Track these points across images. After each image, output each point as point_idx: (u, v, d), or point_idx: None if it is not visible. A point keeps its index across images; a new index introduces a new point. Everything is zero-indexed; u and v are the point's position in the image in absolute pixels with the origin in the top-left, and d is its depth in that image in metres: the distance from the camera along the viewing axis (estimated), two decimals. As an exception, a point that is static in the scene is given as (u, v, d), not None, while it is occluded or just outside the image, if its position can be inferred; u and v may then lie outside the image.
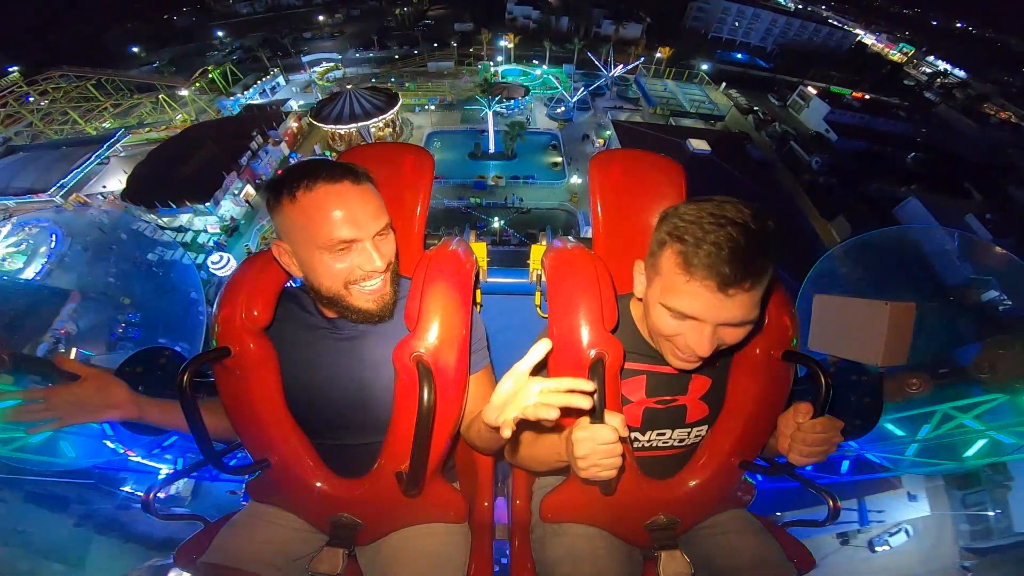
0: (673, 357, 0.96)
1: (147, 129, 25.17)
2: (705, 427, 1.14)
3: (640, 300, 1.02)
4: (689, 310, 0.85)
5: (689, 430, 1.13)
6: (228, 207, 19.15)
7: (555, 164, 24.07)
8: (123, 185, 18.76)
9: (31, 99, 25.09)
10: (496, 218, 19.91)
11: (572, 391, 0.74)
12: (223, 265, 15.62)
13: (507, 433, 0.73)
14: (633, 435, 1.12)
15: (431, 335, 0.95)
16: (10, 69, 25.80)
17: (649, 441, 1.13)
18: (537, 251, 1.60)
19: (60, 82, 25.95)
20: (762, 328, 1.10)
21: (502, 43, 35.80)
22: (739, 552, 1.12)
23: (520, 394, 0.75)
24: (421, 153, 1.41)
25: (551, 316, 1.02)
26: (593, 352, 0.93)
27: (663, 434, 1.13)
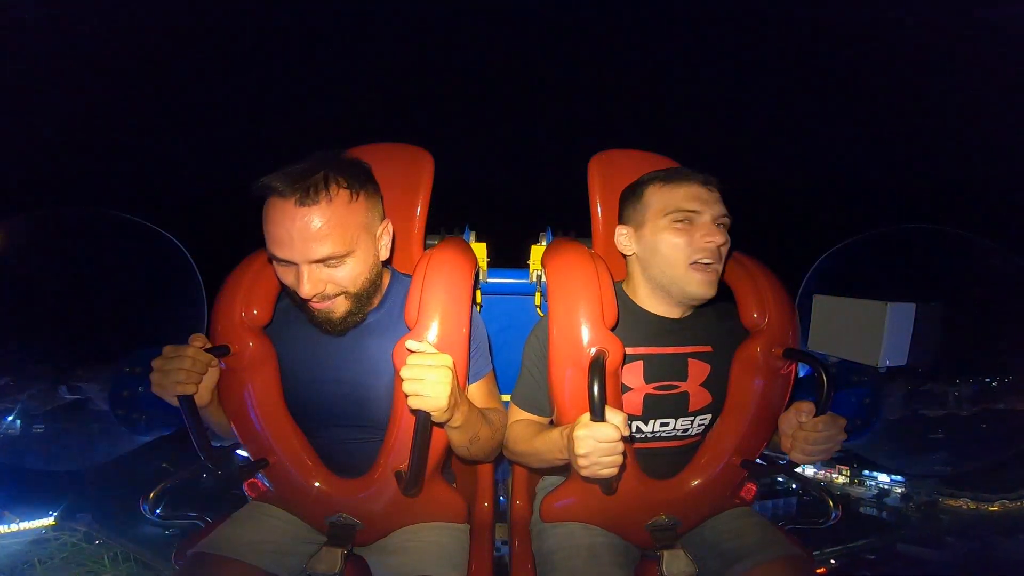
0: (698, 283, 1.05)
1: None
2: (709, 416, 1.14)
3: (627, 258, 1.15)
4: (690, 204, 1.05)
5: (692, 419, 1.13)
6: None
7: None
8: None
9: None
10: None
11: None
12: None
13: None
14: (635, 424, 1.11)
15: (431, 334, 0.95)
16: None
17: (653, 431, 1.13)
18: (537, 251, 1.60)
19: None
20: (762, 327, 1.10)
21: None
22: (746, 536, 1.11)
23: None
24: (421, 153, 1.41)
25: (551, 315, 1.02)
26: (593, 350, 0.93)
27: (666, 424, 1.12)
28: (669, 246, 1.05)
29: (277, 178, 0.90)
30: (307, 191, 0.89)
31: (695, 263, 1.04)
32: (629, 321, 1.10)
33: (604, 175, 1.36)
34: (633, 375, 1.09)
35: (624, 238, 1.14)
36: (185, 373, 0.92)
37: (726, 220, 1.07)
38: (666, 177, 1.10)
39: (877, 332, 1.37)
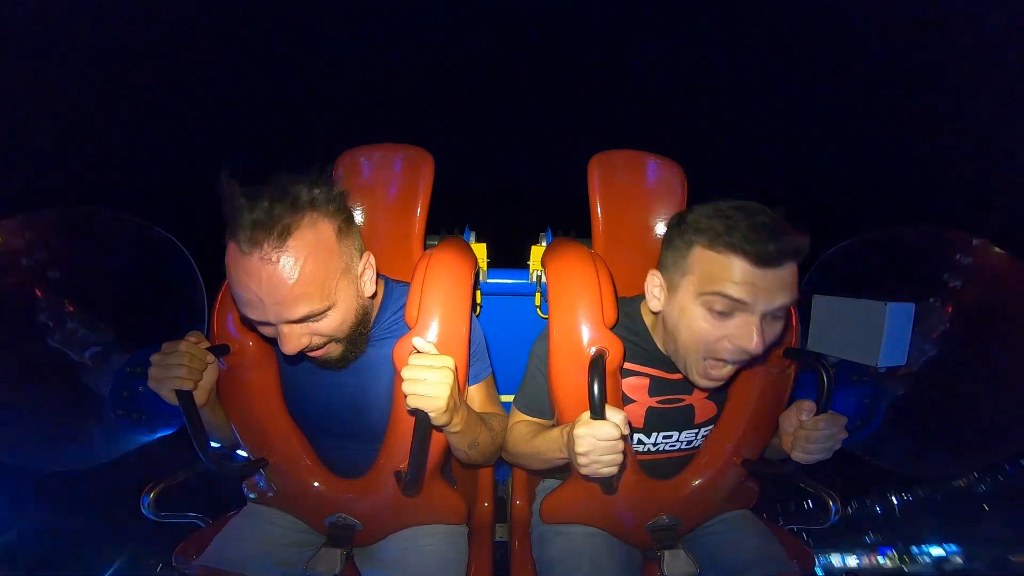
0: (701, 376, 0.92)
1: None
2: (713, 427, 1.13)
3: (656, 314, 1.00)
4: (736, 292, 0.81)
5: (697, 431, 1.11)
6: None
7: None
8: None
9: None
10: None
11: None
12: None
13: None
14: (637, 437, 1.10)
15: (431, 334, 0.95)
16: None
17: (656, 444, 1.11)
18: (537, 251, 1.60)
19: None
20: None
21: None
22: (743, 548, 1.11)
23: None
24: (421, 153, 1.41)
25: (551, 314, 1.02)
26: (593, 349, 0.94)
27: (669, 436, 1.10)
28: (692, 330, 0.88)
29: (234, 218, 0.77)
30: (270, 242, 0.76)
31: (714, 359, 0.90)
32: (645, 347, 1.06)
33: (604, 175, 1.36)
34: (638, 390, 1.07)
35: (656, 290, 0.97)
36: (184, 369, 0.90)
37: (784, 311, 0.85)
38: (722, 234, 0.82)
39: (877, 332, 1.36)
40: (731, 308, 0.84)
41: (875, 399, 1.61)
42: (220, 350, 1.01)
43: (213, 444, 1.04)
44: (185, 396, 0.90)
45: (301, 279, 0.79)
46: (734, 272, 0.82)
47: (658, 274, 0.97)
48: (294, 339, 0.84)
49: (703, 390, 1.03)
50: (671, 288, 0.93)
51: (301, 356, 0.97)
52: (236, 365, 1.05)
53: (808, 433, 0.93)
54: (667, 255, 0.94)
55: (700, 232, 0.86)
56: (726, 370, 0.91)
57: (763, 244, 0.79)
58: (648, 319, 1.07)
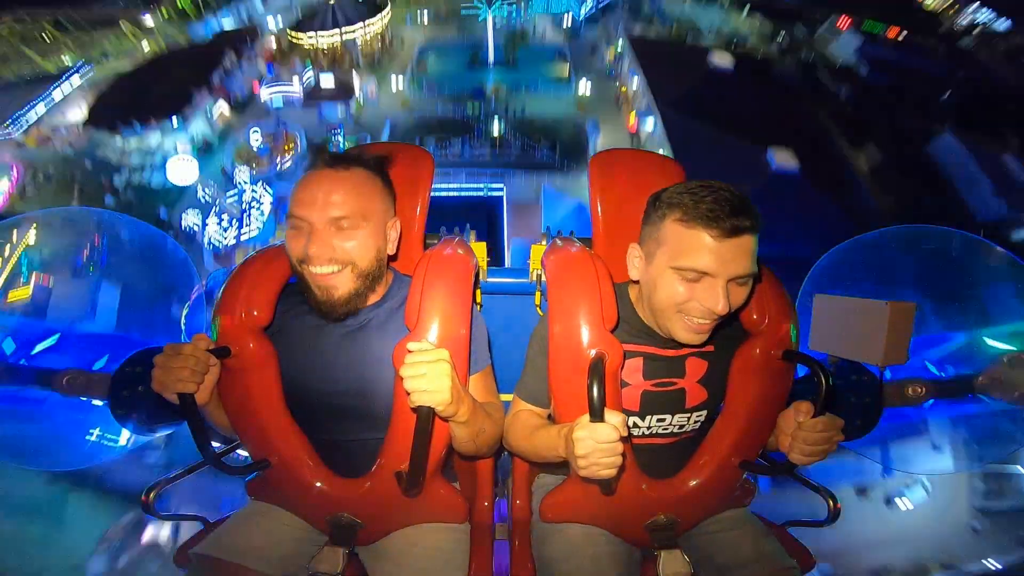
0: (684, 330, 0.99)
1: (112, 60, 23.50)
2: (704, 412, 1.14)
3: (637, 282, 1.07)
4: (701, 264, 0.92)
5: (688, 415, 1.13)
6: (200, 127, 18.29)
7: (561, 75, 22.32)
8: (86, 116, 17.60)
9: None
10: (496, 120, 19.03)
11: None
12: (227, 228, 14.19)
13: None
14: (632, 420, 1.11)
15: (431, 335, 0.95)
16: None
17: (649, 427, 1.13)
18: (537, 251, 1.60)
19: (14, 25, 23.94)
20: (762, 328, 1.09)
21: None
22: (740, 548, 1.12)
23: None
24: (421, 153, 1.41)
25: (551, 316, 1.02)
26: (593, 352, 0.93)
27: (663, 419, 1.13)
28: (666, 292, 0.97)
29: (322, 155, 1.03)
30: (340, 161, 1.02)
31: (687, 319, 0.98)
32: (632, 322, 1.10)
33: (604, 175, 1.36)
34: (632, 372, 1.10)
35: (636, 260, 1.06)
36: (188, 371, 0.92)
37: (747, 278, 0.95)
38: (690, 209, 0.93)
39: (878, 332, 1.37)
40: (698, 276, 0.94)
41: (875, 400, 1.61)
42: (221, 352, 1.01)
43: (215, 445, 1.04)
44: (187, 398, 0.91)
45: (351, 188, 1.00)
46: (700, 243, 0.92)
47: (637, 247, 1.06)
48: (322, 243, 0.98)
49: (691, 347, 1.07)
50: (648, 258, 1.02)
51: (301, 349, 1.09)
52: (237, 367, 1.05)
53: (806, 435, 0.93)
54: (645, 228, 1.04)
55: (672, 207, 0.96)
56: (703, 326, 0.98)
57: (723, 217, 0.90)
58: (633, 293, 1.14)
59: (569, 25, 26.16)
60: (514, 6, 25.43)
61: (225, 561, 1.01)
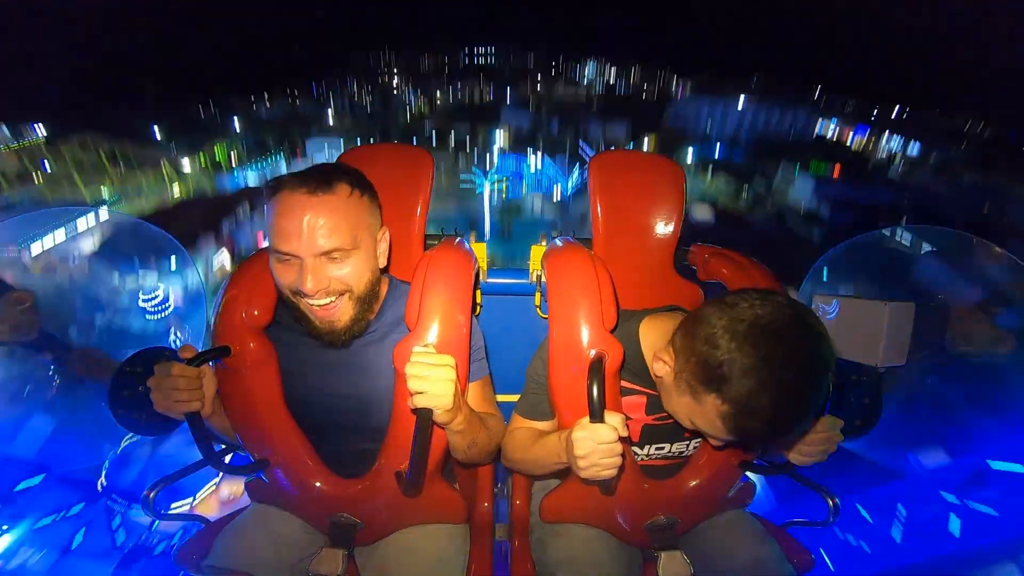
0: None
1: (143, 198, 25.11)
2: (702, 438, 1.12)
3: (661, 374, 0.95)
4: (722, 441, 0.89)
5: (688, 443, 1.13)
6: (194, 278, 19.01)
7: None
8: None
9: (47, 167, 24.68)
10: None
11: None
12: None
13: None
14: (632, 449, 1.11)
15: (431, 335, 0.95)
16: (35, 126, 25.46)
17: (648, 455, 1.13)
18: (537, 251, 1.60)
19: (76, 149, 25.66)
20: None
21: (498, 132, 38.34)
22: (737, 553, 1.12)
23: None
24: (420, 153, 1.41)
25: (551, 316, 1.01)
26: (593, 352, 0.93)
27: (662, 448, 1.12)
28: (703, 421, 0.88)
29: (289, 175, 0.95)
30: (318, 183, 0.92)
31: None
32: (636, 365, 1.06)
33: (604, 175, 1.36)
34: (634, 409, 1.08)
35: (667, 360, 0.91)
36: (183, 393, 0.93)
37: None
38: (736, 417, 0.80)
39: (877, 332, 1.37)
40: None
41: (874, 400, 1.61)
42: (221, 351, 1.01)
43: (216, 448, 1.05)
44: (192, 416, 0.94)
45: (336, 214, 0.92)
46: (730, 436, 0.85)
47: (668, 360, 0.91)
48: (317, 276, 0.92)
49: None
50: (686, 387, 0.86)
51: (302, 352, 1.06)
52: (237, 366, 1.05)
53: (805, 436, 0.93)
54: (687, 356, 0.85)
55: (723, 386, 0.78)
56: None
57: (765, 436, 0.81)
58: (645, 340, 1.06)
59: (559, 199, 28.92)
60: (507, 182, 28.00)
61: (236, 572, 1.02)
